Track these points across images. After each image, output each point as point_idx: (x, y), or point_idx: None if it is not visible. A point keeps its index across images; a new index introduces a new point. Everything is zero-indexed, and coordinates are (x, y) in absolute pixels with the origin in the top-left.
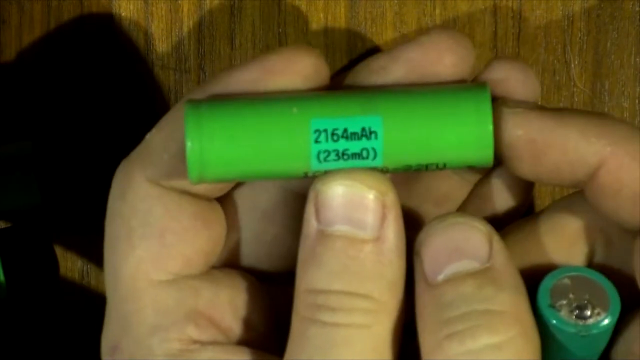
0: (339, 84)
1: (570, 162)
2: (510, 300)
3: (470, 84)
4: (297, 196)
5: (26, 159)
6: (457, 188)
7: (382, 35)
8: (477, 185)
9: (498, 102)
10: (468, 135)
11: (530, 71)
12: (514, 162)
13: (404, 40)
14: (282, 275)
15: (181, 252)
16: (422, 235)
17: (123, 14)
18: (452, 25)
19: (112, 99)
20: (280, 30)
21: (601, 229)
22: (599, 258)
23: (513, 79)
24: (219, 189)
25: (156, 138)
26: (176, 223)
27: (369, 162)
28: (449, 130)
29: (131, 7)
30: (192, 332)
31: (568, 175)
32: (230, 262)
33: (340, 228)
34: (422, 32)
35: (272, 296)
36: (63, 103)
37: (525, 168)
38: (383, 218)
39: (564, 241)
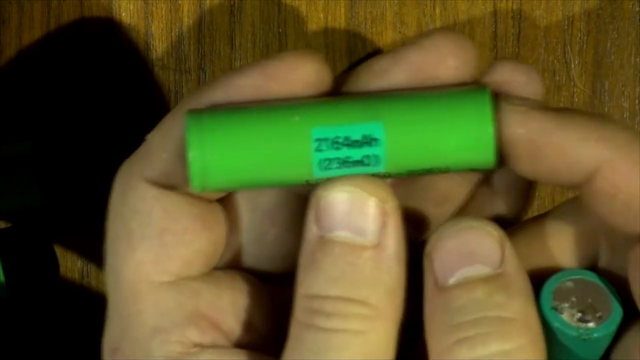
0: (341, 85)
1: (568, 164)
2: (520, 307)
3: (470, 87)
4: (298, 197)
5: (26, 159)
6: (457, 188)
7: (382, 35)
8: (479, 186)
9: (501, 97)
10: (469, 139)
11: (534, 73)
12: (512, 159)
13: (406, 41)
14: (285, 276)
15: (181, 253)
16: (434, 238)
17: (123, 14)
18: (452, 26)
19: (112, 99)
20: (280, 30)
21: (606, 233)
22: (603, 262)
23: (516, 81)
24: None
25: (154, 138)
26: (175, 224)
27: (371, 169)
28: (450, 134)
29: (131, 7)
30: (193, 334)
31: (565, 177)
32: (232, 264)
33: (340, 234)
34: (423, 33)
35: (274, 297)
36: (63, 103)
37: (523, 166)
38: (383, 225)
39: (569, 244)
